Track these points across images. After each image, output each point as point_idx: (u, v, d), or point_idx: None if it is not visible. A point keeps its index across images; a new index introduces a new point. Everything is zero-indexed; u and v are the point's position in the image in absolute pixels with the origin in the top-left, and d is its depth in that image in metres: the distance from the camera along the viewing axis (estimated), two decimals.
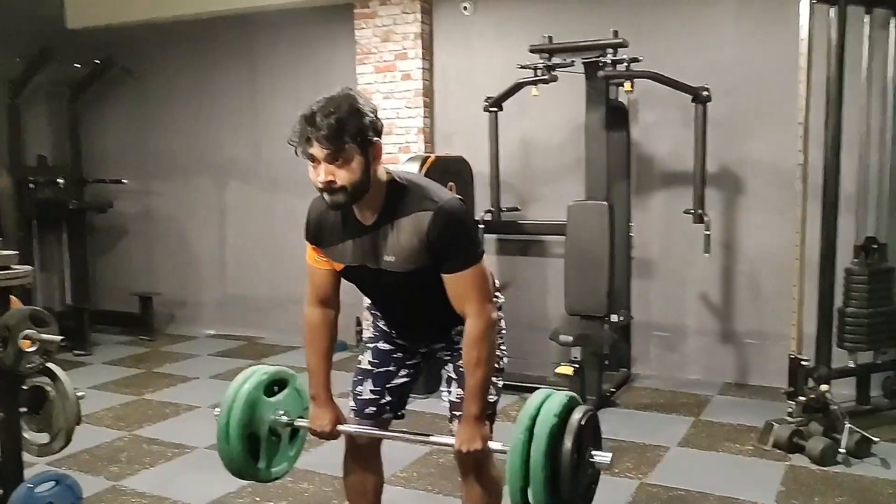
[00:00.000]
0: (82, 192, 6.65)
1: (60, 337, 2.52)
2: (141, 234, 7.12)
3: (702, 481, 3.47)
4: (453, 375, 2.35)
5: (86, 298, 6.57)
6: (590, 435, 1.98)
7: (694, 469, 3.65)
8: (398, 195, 2.10)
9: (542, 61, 4.39)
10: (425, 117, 5.65)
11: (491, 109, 4.77)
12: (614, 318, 4.58)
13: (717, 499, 3.30)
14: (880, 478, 3.47)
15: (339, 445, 3.95)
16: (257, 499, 3.39)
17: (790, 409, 3.90)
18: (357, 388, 2.44)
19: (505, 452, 2.00)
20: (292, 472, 3.61)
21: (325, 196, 2.04)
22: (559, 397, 1.99)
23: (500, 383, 2.36)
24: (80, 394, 2.71)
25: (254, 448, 2.31)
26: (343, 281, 2.33)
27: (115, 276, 7.15)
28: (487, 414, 2.28)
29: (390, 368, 2.43)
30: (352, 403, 2.45)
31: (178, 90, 6.79)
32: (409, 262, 2.10)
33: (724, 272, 5.00)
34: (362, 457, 2.48)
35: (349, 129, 1.96)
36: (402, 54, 5.63)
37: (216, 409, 2.29)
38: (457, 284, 2.11)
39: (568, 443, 1.88)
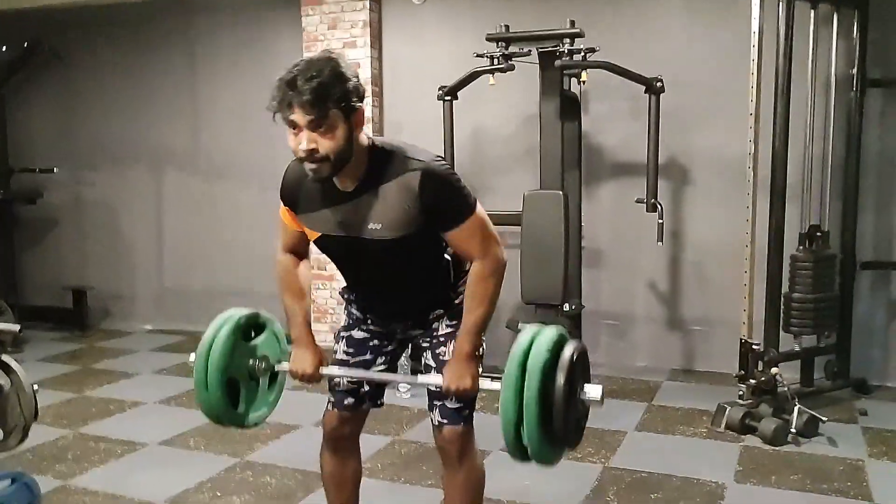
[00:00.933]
0: (9, 182, 6.33)
1: (18, 326, 2.38)
2: (72, 225, 6.82)
3: (662, 463, 3.54)
4: (432, 363, 2.28)
5: (14, 293, 6.26)
6: (580, 370, 1.97)
7: (653, 452, 3.72)
8: (380, 161, 2.03)
9: (498, 50, 4.38)
10: (374, 107, 5.58)
11: (446, 98, 4.74)
12: (566, 307, 4.62)
13: (679, 479, 3.37)
14: (829, 455, 3.61)
15: (301, 439, 3.90)
16: (218, 493, 3.29)
17: (741, 392, 4.02)
18: (334, 380, 2.36)
19: (497, 390, 1.95)
20: (253, 466, 3.57)
21: (307, 166, 1.95)
22: (550, 332, 1.97)
23: (479, 369, 2.33)
24: (35, 387, 2.57)
25: (233, 393, 2.21)
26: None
27: (44, 270, 6.83)
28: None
29: (367, 357, 2.35)
30: (329, 395, 2.38)
31: (112, 75, 6.53)
32: (398, 228, 2.03)
33: (671, 261, 5.11)
34: (341, 446, 2.41)
35: (333, 93, 1.87)
36: (351, 42, 5.54)
37: (191, 356, 2.19)
38: (460, 238, 2.07)
39: (561, 378, 1.87)
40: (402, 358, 2.67)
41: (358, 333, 2.37)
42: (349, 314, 2.41)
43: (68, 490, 3.32)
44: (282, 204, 2.22)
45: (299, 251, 2.30)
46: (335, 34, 5.58)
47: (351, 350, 2.36)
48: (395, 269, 2.16)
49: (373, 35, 5.56)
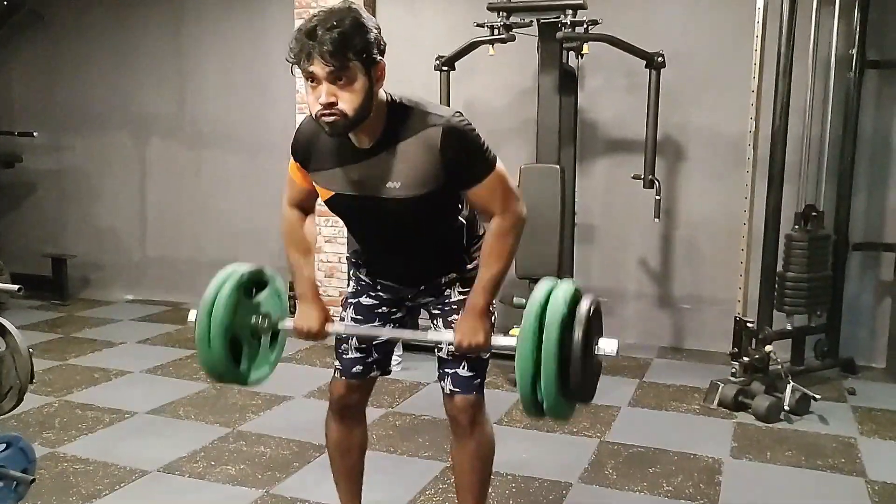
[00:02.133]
0: None
1: (18, 286, 2.30)
2: (52, 191, 6.66)
3: (657, 438, 3.55)
4: (443, 331, 2.25)
5: None
6: (596, 325, 1.95)
7: (648, 427, 3.73)
8: (399, 117, 1.97)
9: (499, 20, 4.31)
10: None
11: (443, 69, 4.66)
12: None
13: (675, 454, 3.37)
14: (822, 433, 3.63)
15: (294, 410, 3.86)
16: (212, 462, 3.23)
17: (734, 370, 4.04)
18: (341, 347, 2.31)
19: (510, 346, 1.93)
20: (246, 436, 3.52)
21: (323, 121, 1.88)
22: (566, 286, 1.95)
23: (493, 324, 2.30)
24: (30, 350, 2.49)
25: (234, 352, 2.14)
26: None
27: (22, 237, 6.67)
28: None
29: (375, 324, 2.30)
30: (336, 363, 2.33)
31: (95, 37, 6.34)
32: (418, 185, 1.97)
33: (663, 238, 5.11)
34: (348, 414, 2.37)
35: (354, 44, 1.81)
36: None
37: (192, 313, 2.13)
38: (480, 195, 2.03)
39: (579, 331, 1.85)
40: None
41: (366, 300, 2.32)
42: (357, 280, 2.35)
43: (57, 457, 3.25)
44: (292, 160, 2.16)
45: (305, 207, 2.25)
46: (328, 1, 5.45)
47: (359, 317, 2.31)
48: (409, 229, 2.11)
49: (367, 4, 5.44)
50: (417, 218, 2.07)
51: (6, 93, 6.57)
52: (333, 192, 2.08)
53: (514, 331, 4.39)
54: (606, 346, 1.94)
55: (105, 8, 6.29)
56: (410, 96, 2.03)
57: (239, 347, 2.15)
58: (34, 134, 6.22)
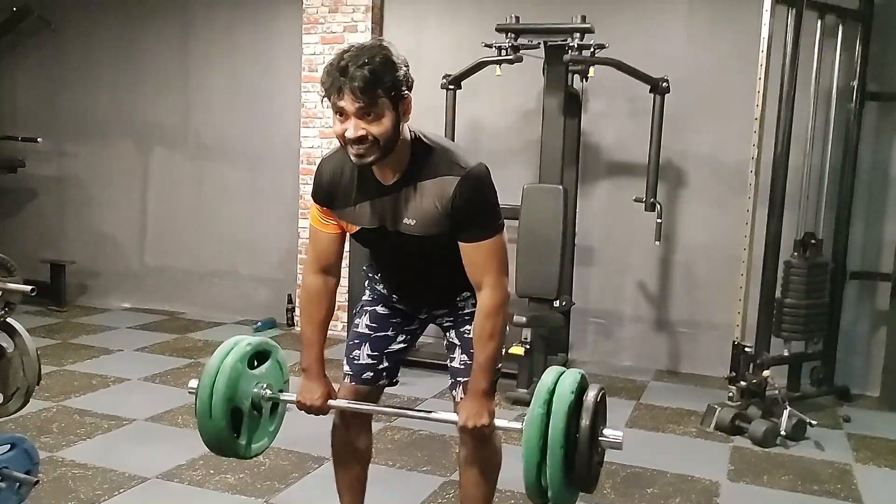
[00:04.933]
0: None
1: (31, 287, 2.31)
2: (53, 197, 6.67)
3: (655, 460, 3.56)
4: (456, 342, 2.29)
5: None
6: (602, 414, 1.98)
7: (645, 448, 3.73)
8: (423, 156, 2.01)
9: (507, 41, 4.37)
10: None
11: (450, 87, 4.71)
12: (557, 302, 4.63)
13: (673, 476, 3.39)
14: (818, 459, 3.66)
15: (293, 421, 3.83)
16: (211, 471, 3.23)
17: (731, 394, 4.06)
18: (353, 353, 2.35)
19: (518, 430, 1.97)
20: None
21: (352, 150, 1.92)
22: (573, 375, 1.97)
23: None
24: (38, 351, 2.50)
25: (235, 423, 2.16)
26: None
27: (21, 242, 6.65)
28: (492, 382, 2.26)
29: (388, 333, 2.35)
30: (347, 368, 2.36)
31: (102, 46, 6.39)
32: (431, 226, 2.03)
33: (661, 262, 5.15)
34: (355, 421, 2.40)
35: (383, 81, 1.86)
36: (352, 27, 5.49)
37: (192, 382, 2.15)
38: (476, 254, 2.05)
39: (585, 420, 1.87)
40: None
41: (382, 309, 2.37)
42: (373, 290, 2.40)
43: (56, 462, 3.24)
44: (313, 205, 2.18)
45: (330, 266, 2.23)
46: (336, 17, 5.52)
47: (374, 325, 2.35)
48: (427, 260, 2.17)
49: (374, 21, 5.51)
50: (433, 252, 2.12)
51: (11, 98, 6.60)
52: (359, 227, 2.13)
53: (514, 349, 4.42)
54: (613, 435, 1.94)
55: (113, 17, 6.34)
56: (438, 139, 2.08)
57: (239, 419, 2.17)
58: (38, 140, 6.23)
